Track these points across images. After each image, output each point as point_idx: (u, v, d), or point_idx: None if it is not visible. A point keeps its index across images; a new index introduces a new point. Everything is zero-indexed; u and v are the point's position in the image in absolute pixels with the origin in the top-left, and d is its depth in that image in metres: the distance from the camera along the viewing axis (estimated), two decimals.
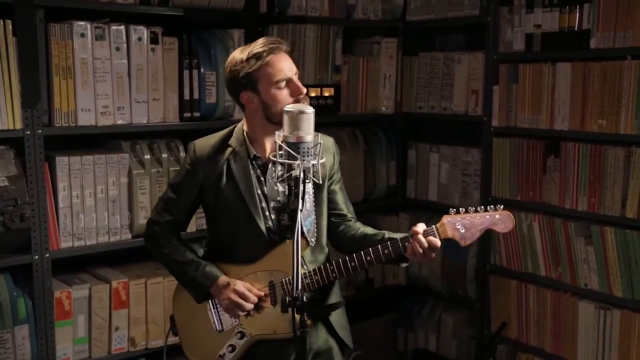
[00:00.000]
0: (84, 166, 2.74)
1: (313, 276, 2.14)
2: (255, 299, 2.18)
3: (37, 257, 2.63)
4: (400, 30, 3.74)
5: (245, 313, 2.18)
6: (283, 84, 2.14)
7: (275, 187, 2.16)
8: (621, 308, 2.87)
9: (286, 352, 2.18)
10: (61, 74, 2.64)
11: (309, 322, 1.73)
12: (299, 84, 2.16)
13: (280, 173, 1.82)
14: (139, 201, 2.86)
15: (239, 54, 2.17)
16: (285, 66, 2.14)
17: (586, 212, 2.93)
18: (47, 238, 2.65)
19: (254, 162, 2.21)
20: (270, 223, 2.20)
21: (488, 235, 3.24)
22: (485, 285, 3.38)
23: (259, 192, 2.20)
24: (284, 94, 2.14)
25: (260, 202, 2.20)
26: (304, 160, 1.79)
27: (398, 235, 2.14)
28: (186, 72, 2.95)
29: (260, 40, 2.17)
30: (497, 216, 2.10)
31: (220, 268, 2.23)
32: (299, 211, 1.74)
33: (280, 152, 1.81)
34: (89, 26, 2.68)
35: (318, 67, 3.39)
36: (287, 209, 1.85)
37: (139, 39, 2.82)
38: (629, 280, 2.82)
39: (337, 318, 2.29)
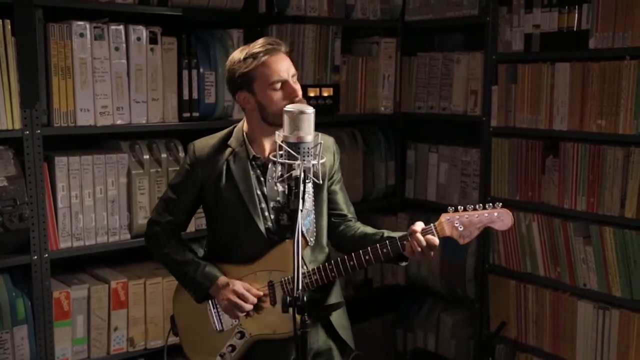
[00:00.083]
0: (83, 166, 2.73)
1: (312, 276, 2.14)
2: (255, 300, 2.18)
3: (36, 257, 2.63)
4: (399, 30, 3.74)
5: (245, 313, 2.18)
6: (278, 85, 2.13)
7: (275, 187, 2.16)
8: (620, 308, 2.87)
9: (286, 352, 2.18)
10: (60, 74, 2.64)
11: (309, 322, 1.73)
12: (295, 86, 2.15)
13: (280, 173, 1.82)
14: (138, 201, 2.85)
15: (238, 54, 2.18)
16: (282, 67, 2.13)
17: (585, 212, 2.93)
18: (46, 238, 2.65)
19: (253, 163, 2.21)
20: (269, 223, 2.21)
21: (487, 234, 3.25)
22: (484, 285, 3.38)
23: (259, 192, 2.21)
24: (278, 95, 2.13)
25: (260, 203, 2.20)
26: (304, 160, 1.79)
27: (397, 234, 2.14)
28: (185, 72, 2.95)
29: (260, 41, 2.17)
30: (496, 214, 2.10)
31: (220, 268, 2.23)
32: (299, 211, 1.74)
33: (281, 152, 1.81)
34: (88, 26, 2.68)
35: (317, 67, 3.39)
36: (287, 209, 1.85)
37: (138, 38, 2.81)
38: (627, 280, 2.82)
39: (338, 318, 2.29)
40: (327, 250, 2.30)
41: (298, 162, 1.78)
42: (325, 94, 3.39)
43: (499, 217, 2.11)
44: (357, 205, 2.46)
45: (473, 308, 3.46)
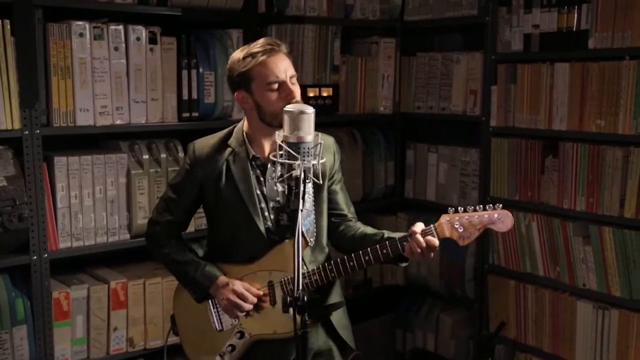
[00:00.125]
0: (82, 166, 2.73)
1: (312, 276, 2.14)
2: (254, 299, 2.18)
3: (35, 257, 2.63)
4: (398, 30, 3.74)
5: (245, 313, 2.18)
6: (275, 86, 2.13)
7: (275, 187, 2.16)
8: (619, 308, 2.88)
9: (286, 352, 2.18)
10: (59, 73, 2.64)
11: (309, 322, 1.73)
12: (293, 87, 2.14)
13: (280, 173, 1.82)
14: (138, 201, 2.85)
15: (238, 53, 2.18)
16: (279, 68, 2.13)
17: (584, 212, 2.93)
18: (45, 238, 2.64)
19: (253, 163, 2.21)
20: (269, 223, 2.21)
21: (486, 235, 3.24)
22: (483, 285, 3.38)
23: (258, 192, 2.21)
24: (274, 96, 2.13)
25: (260, 203, 2.20)
26: (304, 160, 1.79)
27: (397, 235, 2.13)
28: (185, 72, 2.95)
29: (260, 41, 2.18)
30: (496, 215, 2.09)
31: (220, 268, 2.23)
32: (300, 211, 1.74)
33: (281, 152, 1.81)
34: (87, 26, 2.68)
35: (316, 67, 3.39)
36: (287, 209, 1.84)
37: (138, 38, 2.81)
38: (627, 280, 2.82)
39: (339, 318, 2.29)
40: (327, 250, 2.30)
41: (298, 162, 1.78)
42: (325, 94, 3.39)
43: (499, 219, 2.10)
44: (357, 205, 2.46)
45: (472, 308, 3.46)
